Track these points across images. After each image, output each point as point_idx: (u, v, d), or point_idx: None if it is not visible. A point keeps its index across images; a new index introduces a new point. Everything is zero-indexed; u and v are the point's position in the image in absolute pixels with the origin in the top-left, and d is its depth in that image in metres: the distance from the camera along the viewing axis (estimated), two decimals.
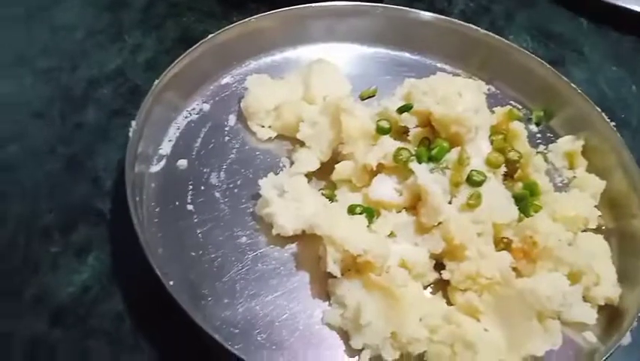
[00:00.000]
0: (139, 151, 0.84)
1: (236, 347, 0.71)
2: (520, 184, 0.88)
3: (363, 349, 0.74)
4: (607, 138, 0.94)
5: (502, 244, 0.81)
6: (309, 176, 0.88)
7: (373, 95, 1.00)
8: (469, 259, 0.78)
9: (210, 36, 0.95)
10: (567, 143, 0.97)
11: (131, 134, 0.83)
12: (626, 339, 0.76)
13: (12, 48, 1.01)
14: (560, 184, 0.94)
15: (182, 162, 0.88)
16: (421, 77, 0.94)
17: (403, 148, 0.84)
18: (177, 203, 0.84)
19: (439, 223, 0.80)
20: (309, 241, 0.81)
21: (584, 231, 0.87)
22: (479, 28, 1.04)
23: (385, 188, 0.84)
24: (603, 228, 0.89)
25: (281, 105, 0.94)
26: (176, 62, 0.91)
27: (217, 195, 0.86)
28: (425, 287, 0.81)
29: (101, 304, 0.77)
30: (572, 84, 0.99)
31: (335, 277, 0.77)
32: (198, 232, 0.82)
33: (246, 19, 0.99)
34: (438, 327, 0.74)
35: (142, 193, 0.83)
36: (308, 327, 0.76)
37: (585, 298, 0.81)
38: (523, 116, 0.98)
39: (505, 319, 0.75)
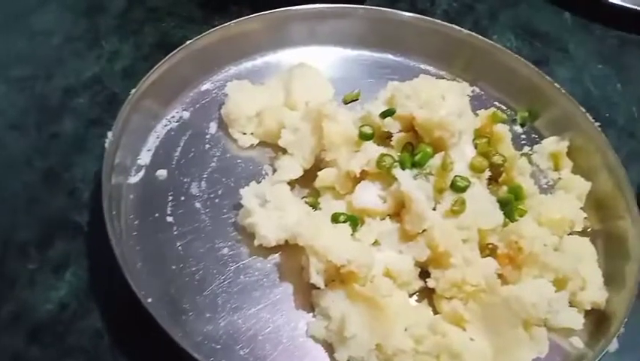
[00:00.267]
0: (116, 162, 0.82)
1: None
2: (504, 188, 0.87)
3: None
4: (592, 139, 0.93)
5: (487, 249, 0.80)
6: (292, 184, 0.86)
7: (357, 99, 0.99)
8: (455, 267, 0.77)
9: (189, 42, 0.94)
10: (552, 144, 0.96)
11: (107, 145, 0.81)
12: (613, 346, 0.75)
13: None
14: (545, 186, 0.93)
15: (162, 172, 0.87)
16: (405, 79, 0.93)
17: (385, 154, 0.83)
18: (157, 215, 0.82)
19: (424, 230, 0.79)
20: (292, 251, 0.79)
21: (570, 234, 0.86)
22: (462, 29, 1.03)
23: (369, 195, 0.83)
24: (589, 230, 0.88)
25: (262, 111, 0.92)
26: (154, 68, 0.90)
27: (198, 205, 0.84)
28: (410, 295, 0.80)
29: (79, 321, 0.75)
30: (556, 84, 0.98)
31: (319, 288, 0.75)
32: (178, 244, 0.80)
33: (226, 24, 0.97)
34: (423, 337, 0.73)
35: (120, 205, 0.81)
36: (292, 340, 0.75)
37: (571, 303, 0.80)
38: (507, 118, 0.97)
39: (491, 327, 0.74)
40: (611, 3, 1.16)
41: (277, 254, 0.81)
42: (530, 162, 0.94)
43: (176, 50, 0.92)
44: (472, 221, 0.80)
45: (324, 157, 0.86)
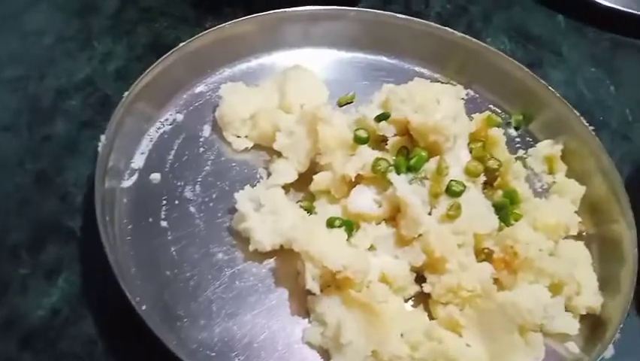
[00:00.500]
0: (110, 165, 0.81)
1: None
2: (500, 192, 0.87)
3: None
4: (585, 142, 0.93)
5: (483, 254, 0.80)
6: (287, 187, 0.85)
7: (351, 102, 0.98)
8: (450, 272, 0.77)
9: (182, 44, 0.92)
10: (546, 147, 0.96)
11: (100, 148, 0.80)
12: (609, 352, 0.75)
13: None
14: (540, 190, 0.94)
15: (156, 176, 0.86)
16: (399, 81, 0.93)
17: (381, 158, 0.82)
18: (150, 219, 0.82)
19: (419, 235, 0.79)
20: (287, 256, 0.79)
21: (565, 238, 0.86)
22: (455, 32, 1.02)
23: (364, 199, 0.83)
24: (584, 234, 0.88)
25: (257, 114, 0.91)
26: (147, 70, 0.88)
27: (192, 209, 0.84)
28: (406, 300, 0.80)
29: (72, 327, 0.74)
30: (550, 87, 0.98)
31: (314, 294, 0.75)
32: (173, 249, 0.79)
33: (220, 25, 0.96)
34: (419, 343, 0.73)
35: (113, 210, 0.81)
36: (287, 347, 0.75)
37: (567, 308, 0.80)
38: (502, 121, 0.96)
39: (487, 333, 0.74)
40: (605, 6, 1.16)
41: (272, 259, 0.81)
42: (525, 165, 0.94)
43: (169, 52, 0.91)
44: (467, 226, 0.80)
45: (319, 161, 0.85)
